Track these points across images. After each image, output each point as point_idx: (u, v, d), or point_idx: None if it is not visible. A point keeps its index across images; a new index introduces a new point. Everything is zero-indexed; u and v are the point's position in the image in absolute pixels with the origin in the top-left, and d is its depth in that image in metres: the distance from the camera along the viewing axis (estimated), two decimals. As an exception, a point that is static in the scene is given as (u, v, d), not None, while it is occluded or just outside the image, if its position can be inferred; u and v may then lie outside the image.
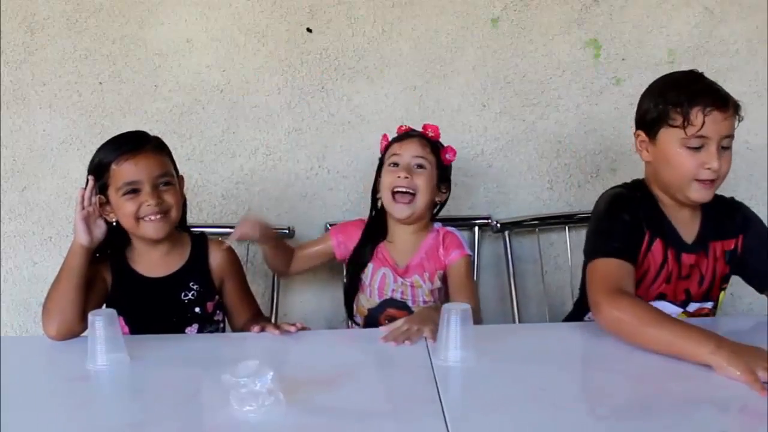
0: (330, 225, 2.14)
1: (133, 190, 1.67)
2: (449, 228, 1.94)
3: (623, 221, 1.63)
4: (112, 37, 2.16)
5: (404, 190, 1.84)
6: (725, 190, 2.22)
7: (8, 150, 2.21)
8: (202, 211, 2.24)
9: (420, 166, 1.85)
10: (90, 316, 1.44)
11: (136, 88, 2.19)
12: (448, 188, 1.94)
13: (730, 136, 1.61)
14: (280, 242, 1.96)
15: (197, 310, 1.78)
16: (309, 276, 2.24)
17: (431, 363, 1.42)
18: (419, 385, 1.34)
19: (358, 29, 2.17)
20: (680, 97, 1.58)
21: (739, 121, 1.63)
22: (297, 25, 2.16)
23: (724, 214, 1.73)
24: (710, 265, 1.70)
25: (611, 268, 1.55)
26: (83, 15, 2.15)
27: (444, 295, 1.91)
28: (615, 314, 1.46)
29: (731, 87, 2.17)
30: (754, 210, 2.23)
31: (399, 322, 1.59)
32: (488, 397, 1.29)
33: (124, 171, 1.67)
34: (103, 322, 1.43)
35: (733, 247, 1.72)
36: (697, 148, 1.58)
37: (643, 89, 1.70)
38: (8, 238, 2.26)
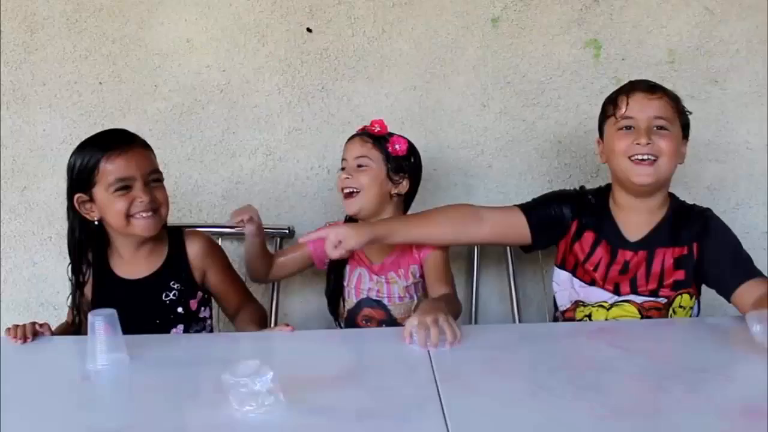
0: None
1: (125, 187, 1.65)
2: None
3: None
4: (112, 37, 2.16)
5: (349, 190, 1.88)
6: (725, 189, 2.24)
7: (8, 150, 2.21)
8: (202, 211, 2.24)
9: (360, 165, 1.88)
10: (90, 316, 1.44)
11: (136, 88, 2.19)
12: (408, 176, 1.91)
13: (662, 117, 1.69)
14: (265, 245, 1.96)
15: (180, 310, 1.76)
16: (309, 276, 2.23)
17: (431, 363, 1.42)
18: (419, 385, 1.34)
19: (358, 29, 2.17)
20: (613, 92, 1.78)
21: (681, 114, 1.71)
22: (297, 25, 2.16)
23: (681, 223, 1.76)
24: (655, 268, 1.74)
25: None
26: (83, 15, 2.15)
27: (422, 289, 1.91)
28: None
29: (731, 87, 2.20)
30: (755, 210, 2.25)
31: (414, 320, 1.52)
32: (488, 397, 1.29)
33: (117, 167, 1.65)
34: (103, 322, 1.43)
35: (686, 252, 1.74)
36: (629, 128, 1.70)
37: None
38: (8, 238, 2.26)
